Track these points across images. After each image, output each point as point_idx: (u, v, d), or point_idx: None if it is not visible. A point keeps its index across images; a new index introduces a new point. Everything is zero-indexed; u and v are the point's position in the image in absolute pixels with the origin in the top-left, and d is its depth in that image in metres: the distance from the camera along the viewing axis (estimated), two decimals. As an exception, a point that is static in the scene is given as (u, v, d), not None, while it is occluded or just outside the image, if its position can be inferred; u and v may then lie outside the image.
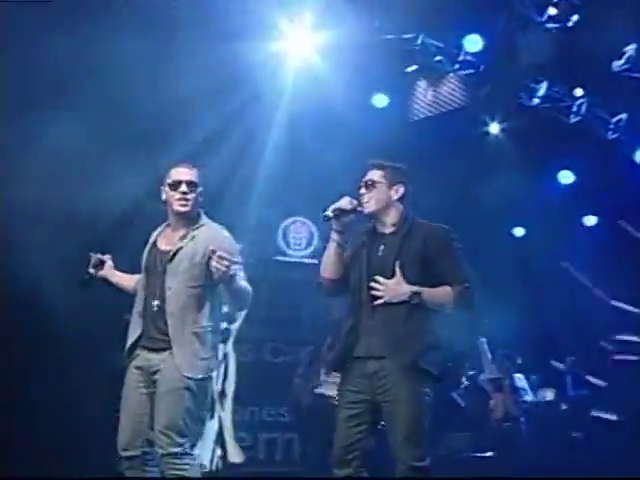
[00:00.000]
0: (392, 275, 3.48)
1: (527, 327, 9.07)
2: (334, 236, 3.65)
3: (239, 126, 7.72)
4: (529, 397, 8.27)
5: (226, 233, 3.92)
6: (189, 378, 3.67)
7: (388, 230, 3.65)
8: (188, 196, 3.83)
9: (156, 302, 3.78)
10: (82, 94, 6.49)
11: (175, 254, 3.80)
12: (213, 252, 3.60)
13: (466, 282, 3.52)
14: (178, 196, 3.83)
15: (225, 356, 8.51)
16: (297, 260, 8.92)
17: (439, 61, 8.48)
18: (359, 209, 3.66)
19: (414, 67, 8.60)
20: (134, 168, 6.25)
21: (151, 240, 3.99)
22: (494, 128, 9.13)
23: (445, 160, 8.50)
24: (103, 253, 4.19)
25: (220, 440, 8.33)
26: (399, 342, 3.40)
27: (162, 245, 3.91)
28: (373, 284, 3.50)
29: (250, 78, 7.46)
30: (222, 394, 8.39)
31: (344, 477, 3.42)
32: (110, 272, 4.11)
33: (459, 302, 3.50)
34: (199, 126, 7.24)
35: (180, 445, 3.59)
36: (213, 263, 3.58)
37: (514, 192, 8.97)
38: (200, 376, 3.73)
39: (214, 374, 4.00)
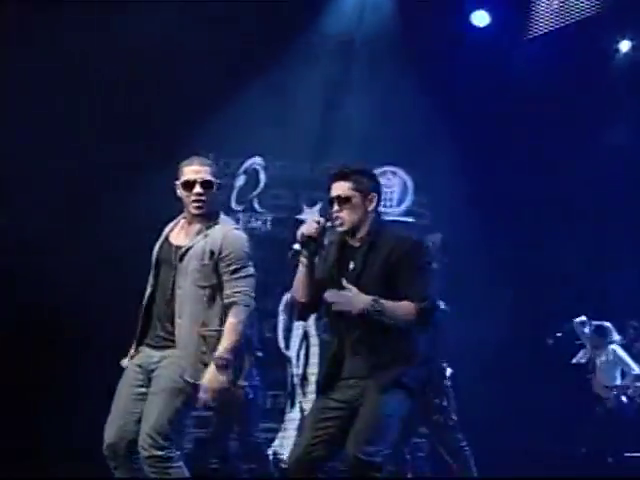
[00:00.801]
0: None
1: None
2: (304, 261, 3.57)
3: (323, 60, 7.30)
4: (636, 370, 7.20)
5: (238, 233, 3.85)
6: (188, 382, 3.61)
7: (357, 243, 3.62)
8: (203, 197, 3.76)
9: (166, 300, 3.74)
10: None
11: (186, 252, 3.76)
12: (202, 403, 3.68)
13: (423, 301, 3.43)
14: (193, 198, 3.76)
15: (305, 335, 7.51)
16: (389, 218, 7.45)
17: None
18: (329, 225, 3.55)
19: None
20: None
21: (164, 234, 3.91)
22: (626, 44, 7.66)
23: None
24: None
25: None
26: (382, 366, 3.46)
27: (176, 240, 3.85)
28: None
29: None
30: (304, 379, 7.55)
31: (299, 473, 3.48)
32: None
33: (416, 320, 3.44)
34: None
35: (163, 449, 3.59)
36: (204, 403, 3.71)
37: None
38: (201, 382, 3.65)
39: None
